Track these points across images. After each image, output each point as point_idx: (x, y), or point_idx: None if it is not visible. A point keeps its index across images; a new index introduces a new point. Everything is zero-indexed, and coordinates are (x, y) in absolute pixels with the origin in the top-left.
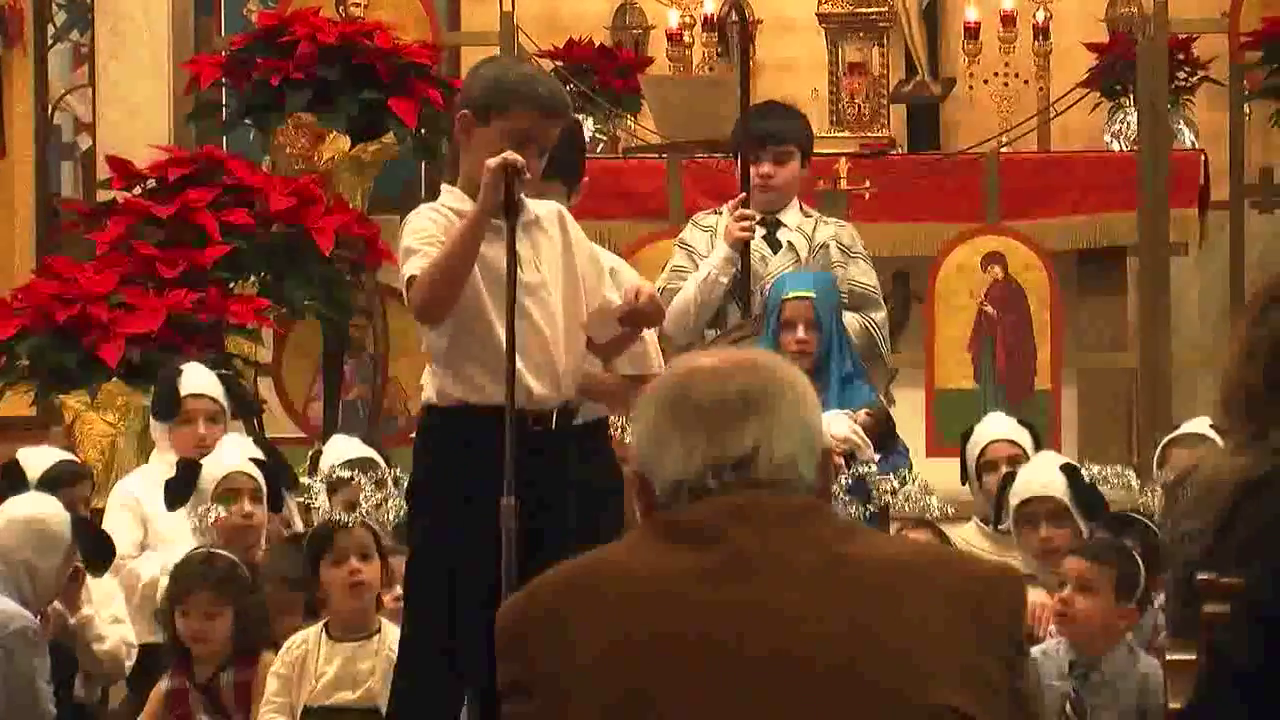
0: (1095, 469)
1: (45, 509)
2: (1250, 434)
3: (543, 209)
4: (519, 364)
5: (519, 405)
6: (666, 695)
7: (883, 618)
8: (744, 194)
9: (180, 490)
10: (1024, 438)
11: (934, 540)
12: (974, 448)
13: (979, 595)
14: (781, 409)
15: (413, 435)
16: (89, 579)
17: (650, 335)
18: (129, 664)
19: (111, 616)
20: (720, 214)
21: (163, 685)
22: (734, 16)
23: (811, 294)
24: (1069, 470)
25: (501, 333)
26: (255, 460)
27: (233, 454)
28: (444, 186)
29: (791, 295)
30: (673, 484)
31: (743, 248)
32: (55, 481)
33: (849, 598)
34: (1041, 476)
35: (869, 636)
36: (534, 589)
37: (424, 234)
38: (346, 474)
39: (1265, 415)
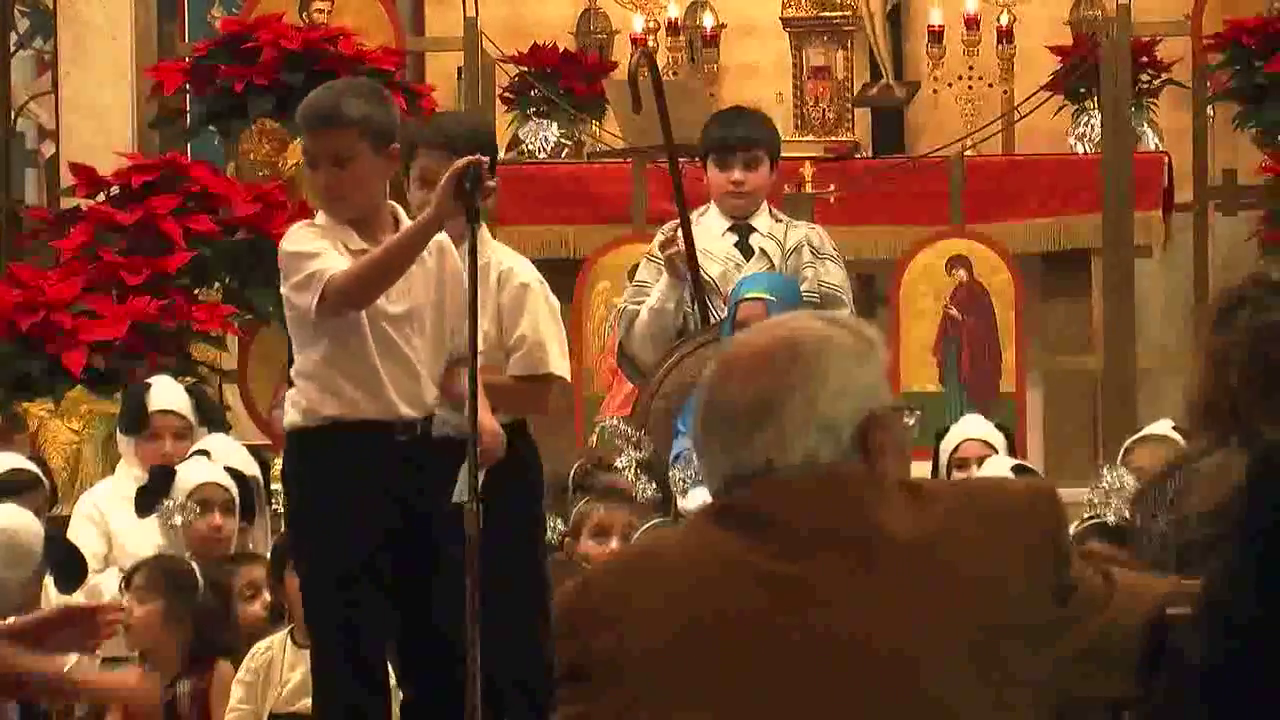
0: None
1: (17, 521)
2: (1242, 437)
3: None
4: (387, 387)
5: (387, 419)
6: (725, 672)
7: (920, 600)
8: (675, 222)
9: (152, 496)
10: (998, 440)
11: None
12: (948, 445)
13: (1016, 536)
14: (793, 412)
15: None
16: (49, 591)
17: (539, 332)
18: None
19: None
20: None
21: None
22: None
23: (766, 295)
24: (1021, 472)
25: (374, 350)
26: (229, 470)
27: (208, 466)
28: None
29: (746, 296)
30: (712, 492)
31: (687, 269)
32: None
33: (894, 577)
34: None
35: (907, 618)
36: (591, 574)
37: (312, 242)
38: None
39: (1252, 417)
